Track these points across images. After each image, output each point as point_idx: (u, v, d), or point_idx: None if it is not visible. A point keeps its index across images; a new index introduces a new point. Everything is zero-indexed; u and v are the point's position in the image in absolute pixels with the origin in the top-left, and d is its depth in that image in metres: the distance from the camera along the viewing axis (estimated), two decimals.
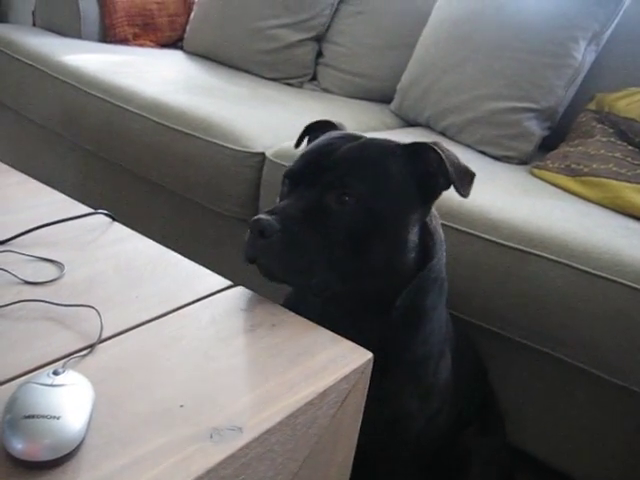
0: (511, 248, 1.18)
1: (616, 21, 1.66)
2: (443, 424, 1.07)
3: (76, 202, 1.00)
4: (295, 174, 0.87)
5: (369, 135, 0.92)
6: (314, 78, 2.25)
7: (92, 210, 0.97)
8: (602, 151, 1.47)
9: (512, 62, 1.69)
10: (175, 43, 2.50)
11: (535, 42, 1.67)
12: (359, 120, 1.86)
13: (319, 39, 2.22)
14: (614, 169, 1.42)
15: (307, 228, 0.82)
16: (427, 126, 1.90)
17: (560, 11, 1.66)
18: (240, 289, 0.83)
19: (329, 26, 2.22)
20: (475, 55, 1.75)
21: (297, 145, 1.04)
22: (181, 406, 0.61)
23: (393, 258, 0.87)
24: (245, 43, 2.23)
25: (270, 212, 0.82)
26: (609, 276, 1.10)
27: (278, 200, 0.92)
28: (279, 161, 1.47)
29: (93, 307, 0.73)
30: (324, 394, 0.67)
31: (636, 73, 1.70)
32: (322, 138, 0.91)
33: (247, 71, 2.24)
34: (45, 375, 0.57)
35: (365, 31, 2.16)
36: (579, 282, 1.12)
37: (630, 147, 1.46)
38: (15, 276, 0.78)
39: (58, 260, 0.83)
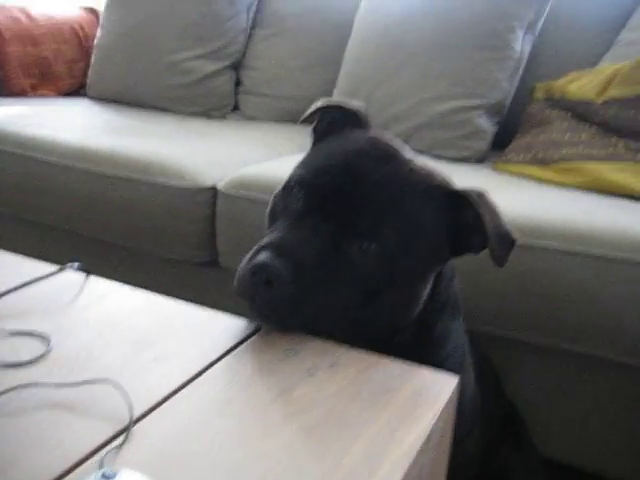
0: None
1: (548, 7, 1.64)
2: (474, 448, 0.95)
3: (34, 260, 0.83)
4: (313, 193, 0.72)
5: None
6: (236, 108, 2.13)
7: (58, 266, 0.80)
8: (567, 136, 1.43)
9: (452, 61, 1.63)
10: (77, 91, 2.31)
11: (472, 37, 1.62)
12: (296, 143, 1.75)
13: (236, 67, 2.10)
14: (585, 151, 1.37)
15: (319, 277, 0.68)
16: None
17: (493, 2, 1.62)
18: (269, 331, 0.69)
19: (245, 52, 2.10)
20: (411, 59, 1.69)
21: (302, 121, 0.86)
22: None
23: (403, 309, 0.77)
24: (157, 80, 2.07)
25: (276, 249, 0.67)
26: (626, 256, 1.03)
27: (270, 210, 0.78)
28: (234, 192, 1.34)
29: (109, 380, 0.56)
30: (429, 438, 0.54)
31: (571, 59, 1.67)
32: (349, 148, 0.75)
33: (164, 109, 2.08)
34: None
35: (284, 53, 2.06)
36: (596, 267, 1.05)
37: (593, 127, 1.42)
38: None
39: (38, 331, 0.66)
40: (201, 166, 1.42)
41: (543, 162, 1.42)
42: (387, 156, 0.75)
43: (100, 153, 1.47)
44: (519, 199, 1.21)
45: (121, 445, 0.49)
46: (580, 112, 1.46)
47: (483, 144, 1.61)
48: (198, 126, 1.88)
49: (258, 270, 0.66)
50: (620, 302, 1.04)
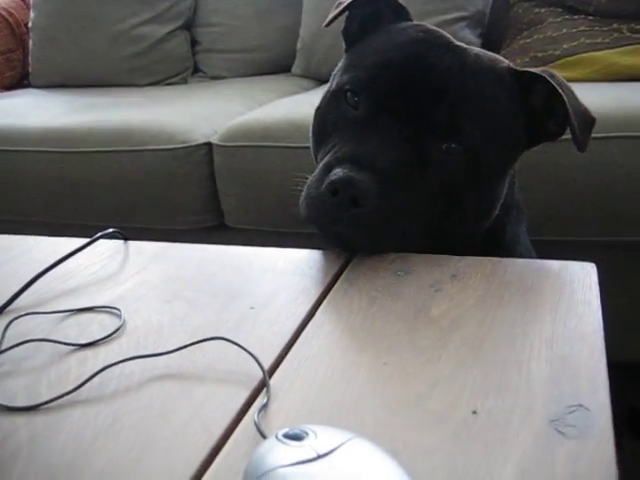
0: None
1: None
2: None
3: (60, 238, 0.72)
4: (376, 93, 0.63)
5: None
6: (197, 70, 1.99)
7: (89, 237, 0.69)
8: (564, 30, 1.36)
9: None
10: (19, 83, 2.14)
11: None
12: (274, 93, 1.64)
13: (189, 26, 1.96)
14: (588, 42, 1.31)
15: (404, 186, 0.60)
16: None
17: None
18: (363, 258, 0.60)
19: (195, 9, 1.96)
20: None
21: (329, 24, 0.75)
22: (474, 412, 0.38)
23: (487, 210, 0.69)
24: (107, 54, 1.92)
25: (353, 162, 0.58)
26: None
27: (317, 126, 0.69)
28: (232, 144, 1.23)
29: (222, 338, 0.47)
30: None
31: None
32: (402, 39, 0.66)
33: (119, 85, 1.93)
34: (279, 448, 0.32)
35: (237, 2, 1.92)
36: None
37: (590, 17, 1.35)
38: (58, 342, 0.50)
39: (102, 305, 0.56)
40: (188, 125, 1.31)
41: (544, 61, 1.35)
42: (447, 44, 0.66)
43: (72, 131, 1.35)
44: None
45: (267, 402, 0.40)
46: (571, 4, 1.40)
47: None
48: (164, 92, 1.75)
49: (342, 187, 0.57)
50: None
